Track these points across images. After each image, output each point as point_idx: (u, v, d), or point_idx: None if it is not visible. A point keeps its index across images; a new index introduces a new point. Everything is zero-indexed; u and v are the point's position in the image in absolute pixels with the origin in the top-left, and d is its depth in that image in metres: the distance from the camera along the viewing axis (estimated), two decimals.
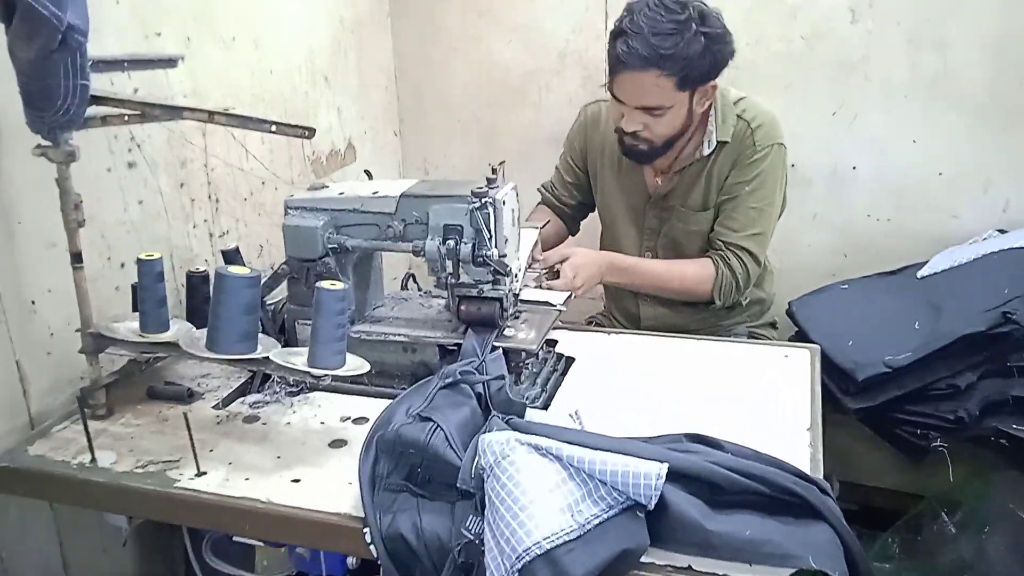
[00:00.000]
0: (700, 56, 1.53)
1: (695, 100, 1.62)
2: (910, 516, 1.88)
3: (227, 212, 1.75)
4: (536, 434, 1.03)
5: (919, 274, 1.85)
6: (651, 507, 0.93)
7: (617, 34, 1.57)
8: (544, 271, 1.61)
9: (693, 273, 1.73)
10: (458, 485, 1.00)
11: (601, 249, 1.92)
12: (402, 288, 1.61)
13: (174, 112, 1.16)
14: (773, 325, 1.90)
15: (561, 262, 1.63)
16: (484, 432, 1.05)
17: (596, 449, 0.98)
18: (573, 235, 2.01)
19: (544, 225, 1.69)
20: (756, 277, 1.74)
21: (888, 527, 1.91)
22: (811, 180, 2.07)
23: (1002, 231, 1.97)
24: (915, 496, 1.92)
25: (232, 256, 1.59)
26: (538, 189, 2.00)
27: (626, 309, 1.94)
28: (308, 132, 1.11)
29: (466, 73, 2.44)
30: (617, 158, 1.81)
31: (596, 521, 0.91)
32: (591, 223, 2.02)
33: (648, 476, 0.90)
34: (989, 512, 1.73)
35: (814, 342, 1.74)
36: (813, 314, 1.84)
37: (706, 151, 1.70)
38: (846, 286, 1.93)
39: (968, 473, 1.72)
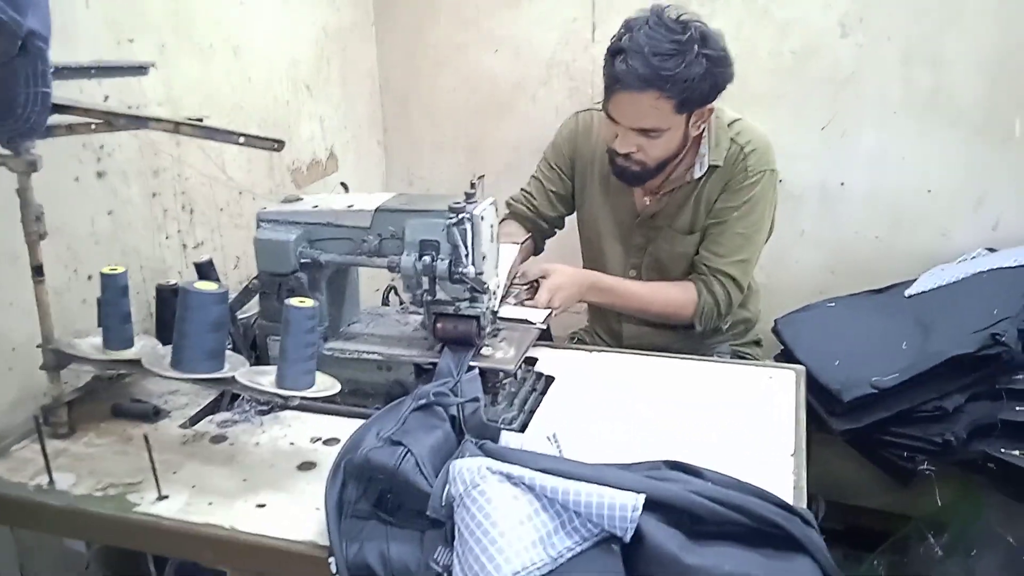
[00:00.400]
0: (700, 79, 1.49)
1: (691, 123, 1.58)
2: (896, 538, 1.85)
3: (202, 223, 1.71)
4: (509, 461, 0.99)
5: (907, 292, 1.83)
6: (627, 539, 0.89)
7: (615, 52, 1.52)
8: (524, 286, 1.57)
9: (675, 297, 1.70)
10: (428, 513, 0.96)
11: (584, 266, 1.89)
12: (383, 301, 1.57)
13: (139, 122, 1.12)
14: (758, 343, 1.87)
15: (541, 279, 1.58)
16: (456, 458, 1.01)
17: (571, 478, 0.94)
18: (537, 254, 1.93)
19: (524, 241, 1.65)
20: (738, 303, 1.72)
21: (874, 548, 1.87)
22: (800, 196, 2.05)
23: (991, 250, 1.95)
24: (901, 517, 1.89)
25: (205, 269, 1.54)
26: (507, 202, 1.91)
27: (608, 327, 1.91)
28: (277, 145, 1.07)
29: (452, 83, 2.41)
30: (607, 173, 1.77)
31: (569, 554, 0.87)
32: (566, 238, 1.96)
33: (624, 507, 0.87)
34: (977, 535, 1.70)
35: (799, 361, 1.71)
36: (799, 332, 1.81)
37: (697, 174, 1.66)
38: (833, 304, 1.90)
39: (956, 496, 1.69)
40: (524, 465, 0.97)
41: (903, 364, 1.57)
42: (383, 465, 1.00)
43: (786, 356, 1.81)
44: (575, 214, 1.91)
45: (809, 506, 1.06)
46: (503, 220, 1.91)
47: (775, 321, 1.90)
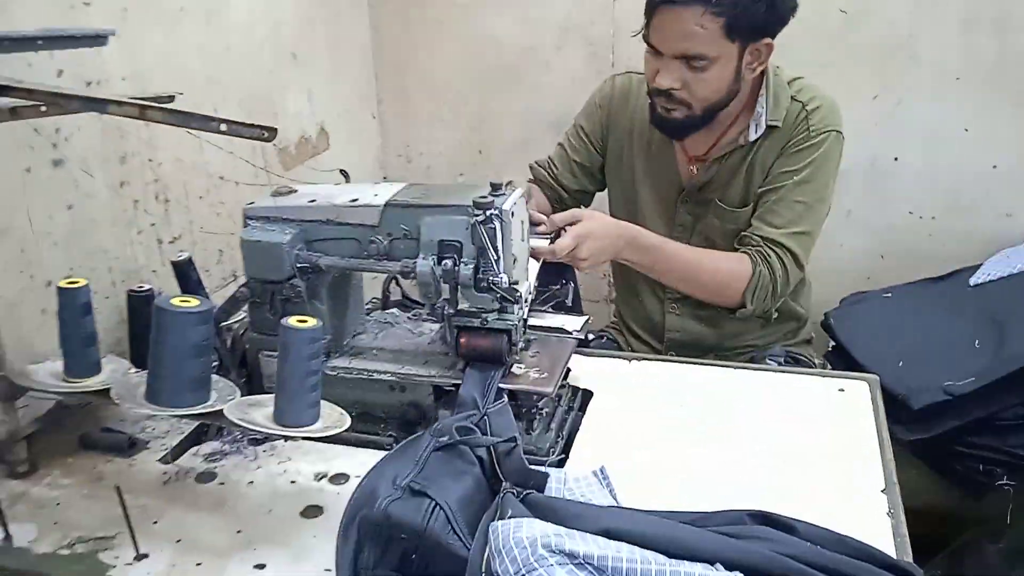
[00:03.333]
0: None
1: (745, 60, 1.37)
2: (954, 547, 1.70)
3: (179, 214, 1.51)
4: (562, 517, 0.82)
5: (971, 281, 1.65)
6: None
7: None
8: (550, 233, 1.34)
9: (726, 266, 1.47)
10: None
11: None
12: (383, 295, 1.37)
13: (96, 105, 0.91)
14: (809, 342, 1.68)
15: (569, 225, 1.35)
16: (497, 516, 0.83)
17: (641, 541, 0.77)
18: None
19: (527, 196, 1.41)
20: (795, 284, 1.50)
21: (924, 552, 1.73)
22: (846, 173, 1.83)
23: None
24: (954, 520, 1.74)
25: (184, 268, 1.35)
26: (531, 166, 1.72)
27: (648, 318, 1.68)
28: (268, 132, 0.87)
29: (453, 50, 2.20)
30: (647, 141, 1.57)
31: None
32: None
33: None
34: None
35: (856, 360, 1.55)
36: (855, 328, 1.64)
37: (752, 136, 1.45)
38: (889, 294, 1.72)
39: None
40: (581, 525, 0.80)
41: (978, 367, 1.41)
42: (407, 522, 0.83)
43: (839, 354, 1.63)
44: (608, 193, 1.70)
45: None
46: (528, 183, 1.71)
47: (825, 314, 1.72)
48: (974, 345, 1.45)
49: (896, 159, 1.82)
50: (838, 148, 1.47)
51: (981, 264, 1.69)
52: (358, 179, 1.29)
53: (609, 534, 0.79)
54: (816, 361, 1.62)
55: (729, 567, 0.75)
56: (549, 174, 1.68)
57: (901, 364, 1.48)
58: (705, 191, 1.53)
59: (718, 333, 1.60)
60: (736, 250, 1.50)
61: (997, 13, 1.77)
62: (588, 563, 0.73)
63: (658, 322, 1.66)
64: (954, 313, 1.58)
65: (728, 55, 1.35)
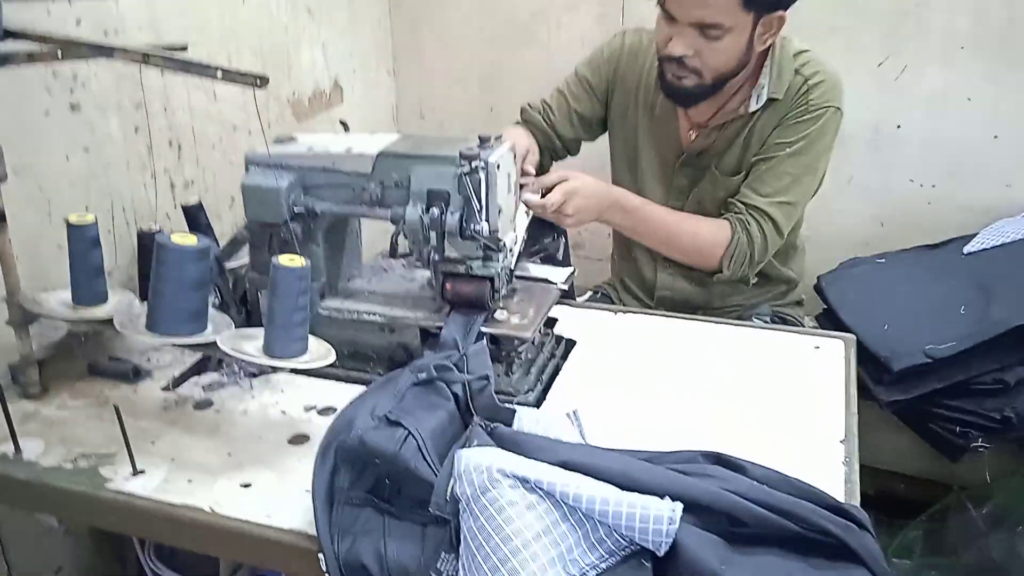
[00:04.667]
0: None
1: (757, 31, 1.38)
2: (935, 510, 1.73)
3: (191, 160, 1.56)
4: (525, 450, 0.87)
5: (965, 249, 1.66)
6: (660, 554, 0.76)
7: None
8: (538, 191, 1.37)
9: (706, 232, 1.50)
10: (432, 510, 0.84)
11: None
12: (392, 247, 1.42)
13: (102, 51, 0.97)
14: (799, 303, 1.71)
15: (558, 184, 1.39)
16: (464, 444, 0.89)
17: (595, 473, 0.82)
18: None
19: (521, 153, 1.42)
20: (773, 251, 1.53)
21: (906, 515, 1.76)
22: (848, 139, 1.84)
23: None
24: (937, 484, 1.77)
25: (194, 212, 1.41)
26: (522, 107, 1.70)
27: (640, 275, 1.71)
28: (260, 81, 0.92)
29: (467, 6, 2.21)
30: (651, 103, 1.57)
31: (593, 573, 0.75)
32: (593, 163, 1.72)
33: (659, 519, 0.74)
34: None
35: (844, 323, 1.58)
36: (844, 291, 1.66)
37: (753, 107, 1.47)
38: (883, 260, 1.73)
39: (1008, 471, 1.56)
40: (541, 456, 0.85)
41: (961, 331, 1.42)
42: (381, 449, 0.88)
43: (829, 317, 1.66)
44: (609, 148, 1.71)
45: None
46: (514, 124, 1.70)
47: (818, 278, 1.74)
48: (959, 311, 1.47)
49: (899, 127, 1.81)
50: (835, 124, 1.48)
51: (976, 234, 1.69)
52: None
53: (566, 466, 0.84)
54: (805, 322, 1.65)
55: (676, 500, 0.78)
56: (545, 120, 1.67)
57: (886, 327, 1.50)
58: (703, 157, 1.55)
59: (706, 292, 1.63)
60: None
61: None
62: (539, 487, 0.78)
63: (650, 280, 1.69)
64: (944, 280, 1.59)
65: (743, 25, 1.36)
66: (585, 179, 1.43)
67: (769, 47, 1.44)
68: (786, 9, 1.38)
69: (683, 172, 1.59)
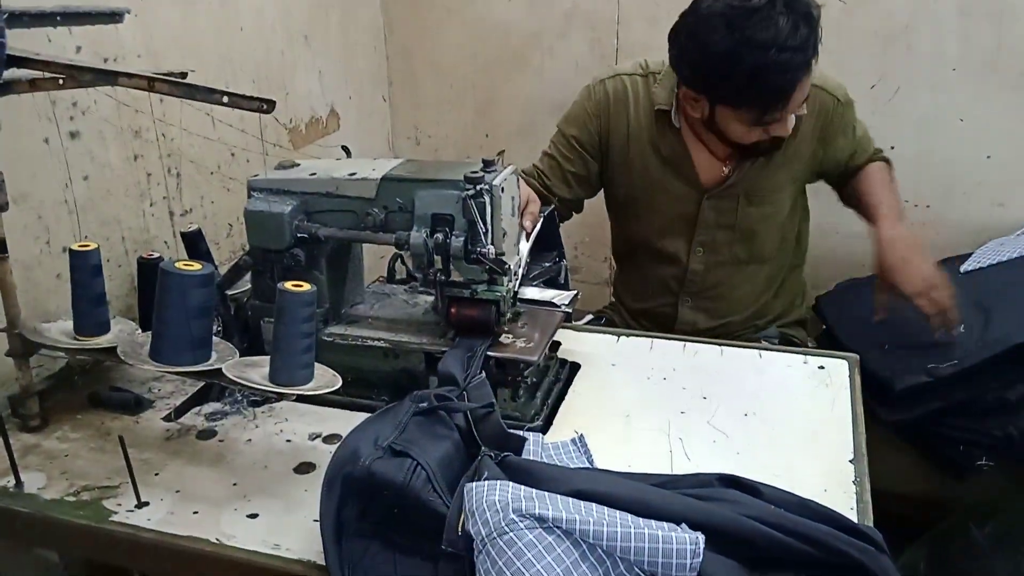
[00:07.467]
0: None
1: None
2: (938, 531, 1.72)
3: (191, 187, 1.56)
4: (537, 479, 0.86)
5: (963, 268, 1.66)
6: None
7: (762, 66, 1.31)
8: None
9: (888, 177, 1.63)
10: (444, 547, 0.83)
11: (618, 247, 1.73)
12: (389, 272, 1.42)
13: (107, 77, 0.97)
14: (802, 323, 1.72)
15: None
16: (475, 477, 0.87)
17: (611, 501, 0.82)
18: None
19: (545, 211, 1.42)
20: None
21: (910, 536, 1.75)
22: None
23: None
24: (939, 504, 1.76)
25: (193, 239, 1.41)
26: (520, 175, 1.69)
27: (659, 312, 1.69)
28: (267, 105, 0.92)
29: (461, 34, 2.22)
30: (655, 144, 1.55)
31: None
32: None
33: (682, 552, 0.73)
34: None
35: (842, 343, 1.58)
36: (841, 312, 1.66)
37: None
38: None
39: (1011, 490, 1.56)
40: (554, 487, 0.84)
41: (962, 351, 1.43)
42: (390, 480, 0.87)
43: (828, 337, 1.66)
44: (607, 199, 1.70)
45: None
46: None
47: (817, 299, 1.75)
48: (959, 330, 1.47)
49: (892, 148, 1.83)
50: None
51: (971, 253, 1.71)
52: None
53: (580, 495, 0.83)
54: (809, 344, 1.65)
55: (694, 528, 0.78)
56: (540, 184, 1.62)
57: (886, 347, 1.50)
58: (735, 187, 1.55)
59: (731, 321, 1.64)
60: (778, 235, 1.62)
61: (994, 4, 1.77)
62: (557, 527, 0.77)
63: (670, 315, 1.67)
64: None
65: None
66: (892, 247, 1.46)
67: None
68: None
69: (710, 204, 1.57)
